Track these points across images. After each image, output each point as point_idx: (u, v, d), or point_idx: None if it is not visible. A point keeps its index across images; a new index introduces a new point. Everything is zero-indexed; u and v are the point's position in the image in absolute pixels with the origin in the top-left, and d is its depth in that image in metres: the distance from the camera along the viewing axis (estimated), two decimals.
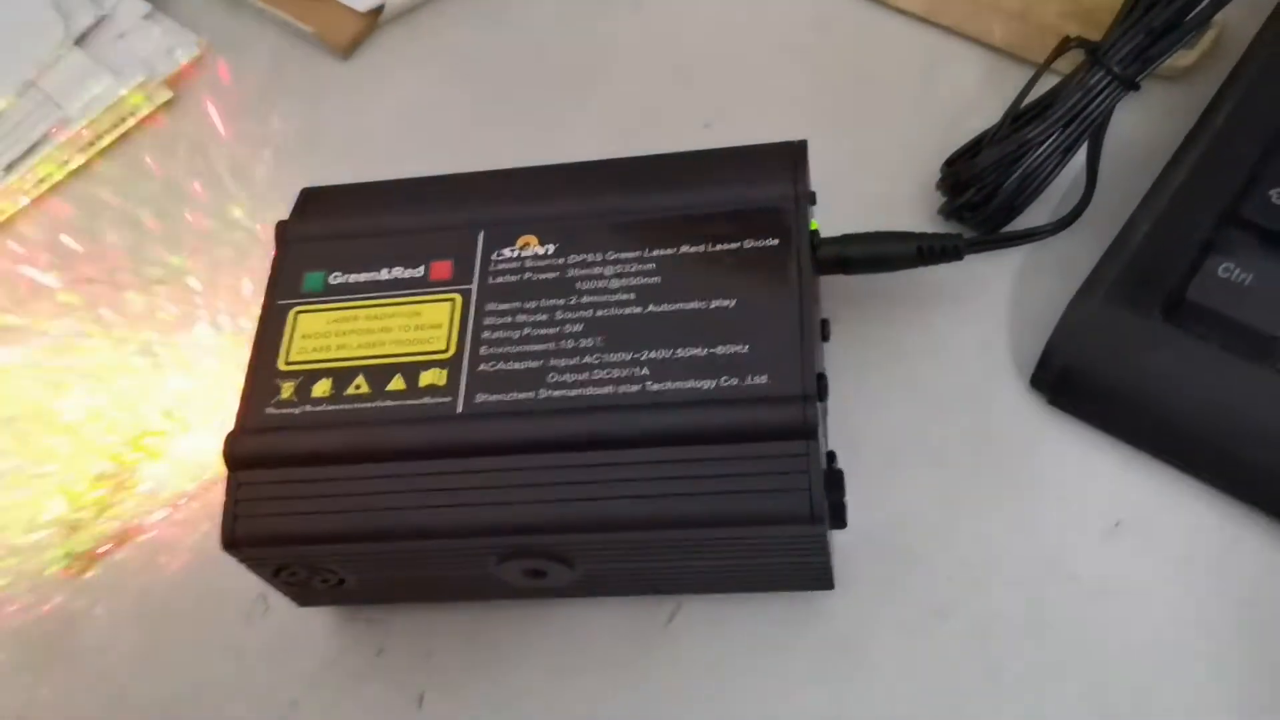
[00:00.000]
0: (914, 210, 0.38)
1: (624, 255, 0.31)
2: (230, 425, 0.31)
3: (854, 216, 0.35)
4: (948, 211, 0.37)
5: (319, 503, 0.29)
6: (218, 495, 0.37)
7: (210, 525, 0.36)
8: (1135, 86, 0.34)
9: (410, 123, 0.44)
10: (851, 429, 0.34)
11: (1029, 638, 0.31)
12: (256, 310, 0.33)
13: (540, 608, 0.33)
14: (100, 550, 0.37)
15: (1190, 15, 0.33)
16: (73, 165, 0.45)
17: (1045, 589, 0.31)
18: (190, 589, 0.36)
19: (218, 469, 0.37)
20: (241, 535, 0.29)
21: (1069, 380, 0.33)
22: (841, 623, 0.32)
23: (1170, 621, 0.30)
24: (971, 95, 0.40)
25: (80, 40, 0.47)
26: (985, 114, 0.39)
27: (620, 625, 0.33)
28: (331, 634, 0.34)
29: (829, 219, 0.33)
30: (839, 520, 0.29)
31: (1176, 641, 0.30)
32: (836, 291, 0.36)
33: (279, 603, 0.34)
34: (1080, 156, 0.36)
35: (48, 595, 0.36)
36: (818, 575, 0.30)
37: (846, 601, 0.32)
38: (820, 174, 0.33)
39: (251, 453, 0.30)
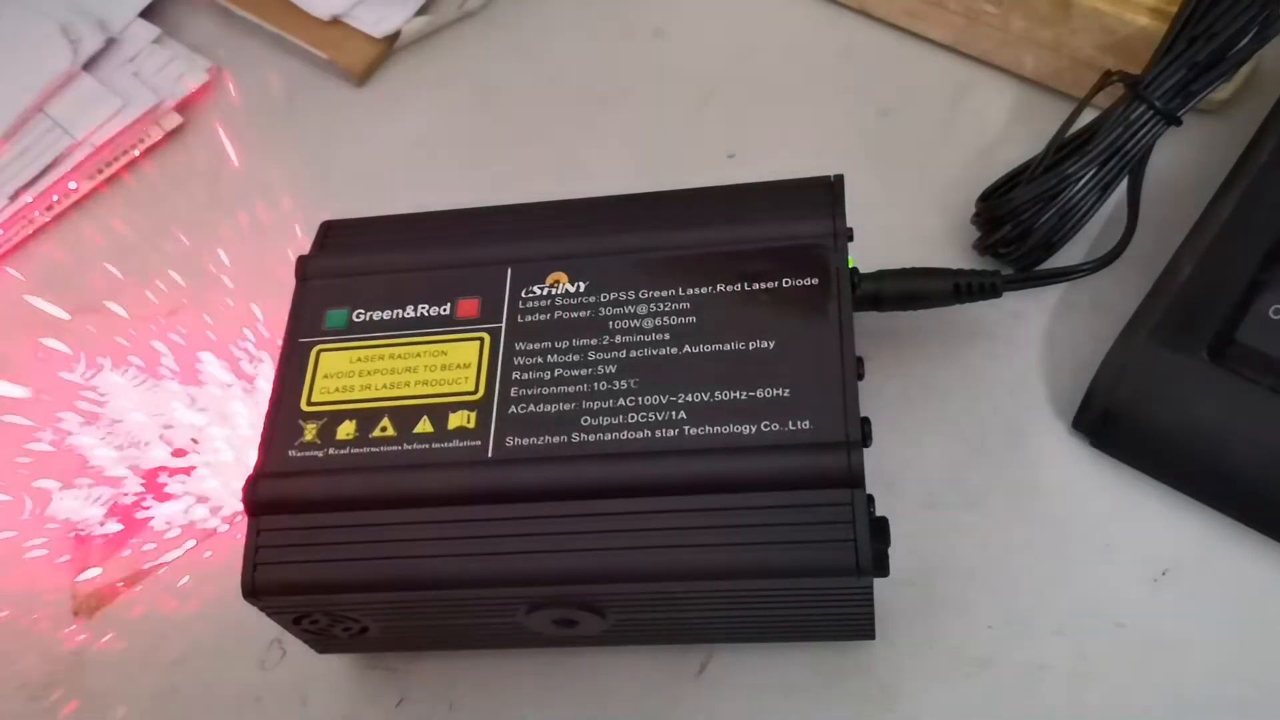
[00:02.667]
0: (945, 245, 0.37)
1: (658, 294, 0.30)
2: (248, 463, 0.30)
3: (882, 250, 0.34)
4: (982, 247, 0.36)
5: (343, 550, 0.28)
6: (231, 536, 0.36)
7: (224, 567, 0.35)
8: (1177, 121, 0.33)
9: (426, 150, 0.44)
10: (887, 470, 0.33)
11: (1074, 688, 0.30)
12: (272, 343, 0.32)
13: (566, 656, 0.32)
14: (110, 591, 0.36)
15: (1233, 50, 0.33)
16: (81, 191, 0.44)
17: (1090, 638, 0.30)
18: (203, 633, 0.35)
19: (232, 509, 0.36)
20: (262, 583, 0.28)
21: (1112, 423, 0.32)
22: (880, 672, 0.31)
23: (1219, 672, 0.30)
24: (1002, 126, 0.39)
25: (89, 65, 0.46)
26: (1017, 145, 0.38)
27: (650, 675, 0.32)
28: (350, 683, 0.33)
29: (857, 252, 0.32)
30: (881, 568, 0.28)
31: (1226, 693, 0.29)
32: (866, 327, 0.35)
33: (296, 649, 0.33)
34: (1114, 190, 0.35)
35: (56, 638, 0.35)
36: (859, 625, 0.30)
37: (885, 650, 0.31)
38: (848, 206, 0.32)
39: (273, 497, 0.29)
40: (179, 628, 0.35)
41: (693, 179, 0.33)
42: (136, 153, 0.45)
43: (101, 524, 0.37)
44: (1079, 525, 0.32)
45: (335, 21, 0.46)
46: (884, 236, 0.36)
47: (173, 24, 0.48)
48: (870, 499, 0.28)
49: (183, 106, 0.46)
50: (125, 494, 0.37)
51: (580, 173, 0.42)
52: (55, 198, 0.44)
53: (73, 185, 0.44)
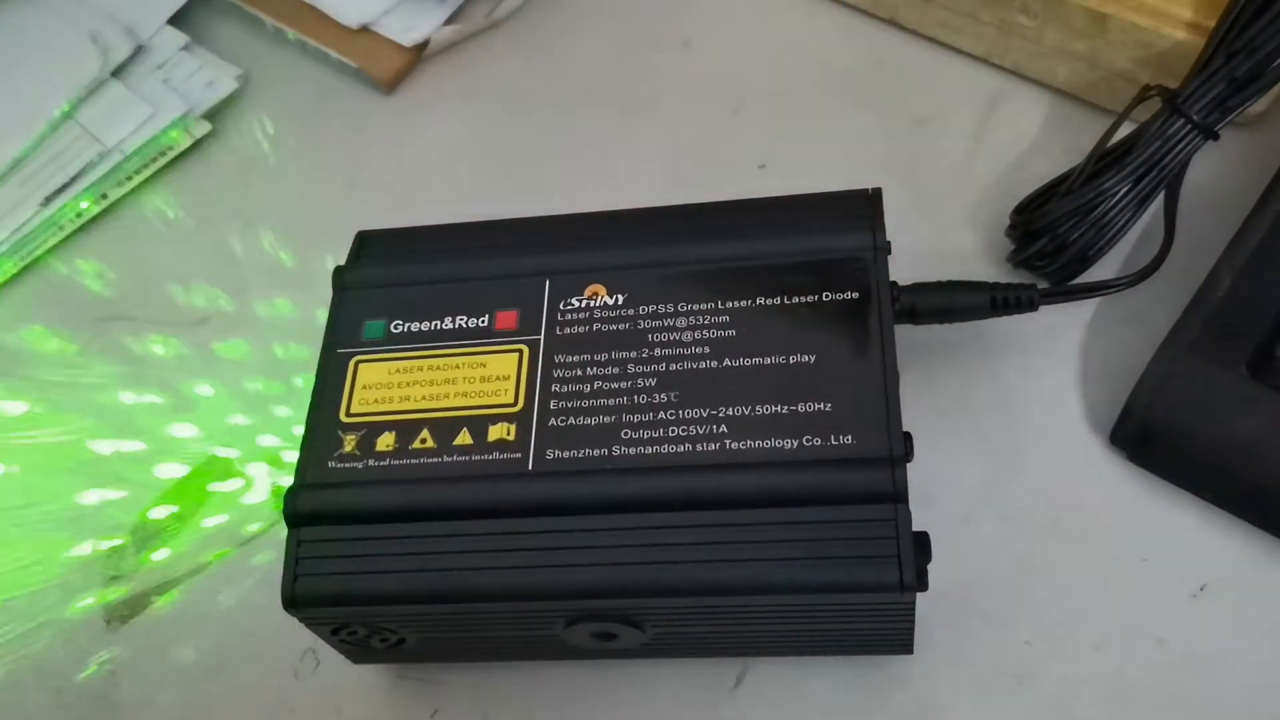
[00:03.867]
0: (978, 258, 0.37)
1: (697, 306, 0.30)
2: (275, 473, 0.30)
3: (917, 263, 0.34)
4: (1017, 260, 0.36)
5: (383, 561, 0.28)
6: (263, 545, 0.36)
7: (255, 576, 0.35)
8: (1215, 136, 0.33)
9: (455, 160, 0.44)
10: (922, 484, 0.32)
11: (1113, 705, 0.30)
12: (304, 353, 0.32)
13: (601, 668, 0.32)
14: (143, 601, 0.36)
15: (1273, 66, 0.32)
16: (111, 199, 0.44)
17: (1129, 654, 0.30)
18: (235, 643, 0.35)
19: (264, 517, 0.36)
20: (303, 595, 0.28)
21: (1151, 437, 0.32)
22: (918, 687, 0.31)
23: (1259, 689, 0.29)
24: (1035, 139, 0.39)
25: (118, 72, 0.46)
26: (1050, 158, 0.38)
27: (685, 688, 0.32)
28: (385, 694, 0.33)
29: (891, 264, 0.32)
30: (921, 583, 0.28)
31: (1265, 712, 0.29)
32: (901, 340, 0.35)
33: (330, 659, 0.33)
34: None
35: (89, 647, 0.35)
36: (898, 640, 0.29)
37: (924, 665, 0.31)
38: None
39: (313, 509, 0.29)
40: (211, 637, 0.35)
41: (723, 190, 0.33)
42: (165, 160, 0.45)
43: (135, 532, 0.37)
44: (1117, 540, 0.32)
45: (364, 30, 0.46)
46: (917, 249, 0.36)
47: (201, 31, 0.48)
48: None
49: (212, 114, 0.46)
50: (155, 502, 0.37)
51: (610, 183, 0.42)
52: (85, 204, 0.44)
53: (103, 192, 0.44)
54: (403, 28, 0.45)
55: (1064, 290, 0.34)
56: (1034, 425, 0.34)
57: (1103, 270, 0.35)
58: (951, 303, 0.33)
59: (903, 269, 0.33)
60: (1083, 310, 0.35)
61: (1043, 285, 0.35)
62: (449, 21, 0.45)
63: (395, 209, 0.41)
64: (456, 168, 0.43)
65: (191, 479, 0.37)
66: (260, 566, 0.36)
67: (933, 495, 0.33)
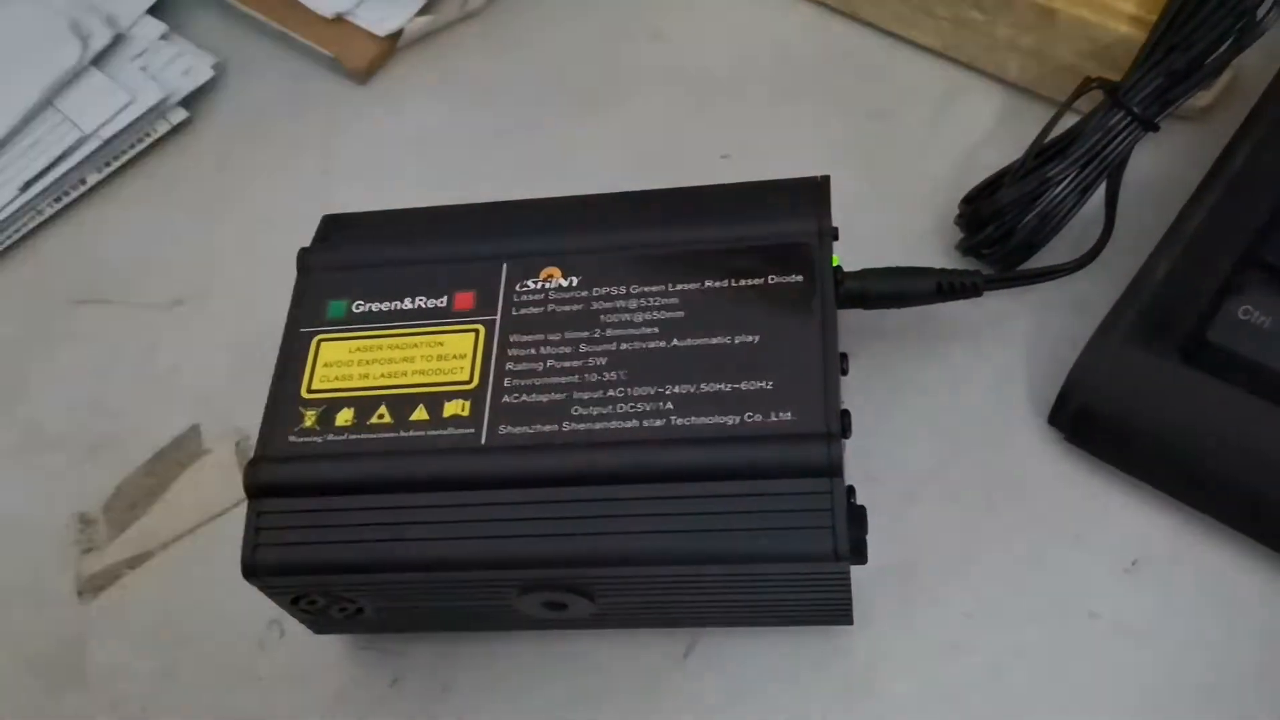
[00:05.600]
0: (930, 245, 0.38)
1: (647, 289, 0.31)
2: (249, 450, 0.31)
3: (870, 250, 0.35)
4: (965, 248, 0.37)
5: (340, 532, 0.29)
6: (231, 519, 0.37)
7: (224, 550, 0.36)
8: (1155, 127, 0.34)
9: (427, 148, 0.45)
10: (869, 463, 0.34)
11: (1047, 675, 0.31)
12: (274, 334, 0.33)
13: (557, 639, 0.33)
14: (114, 573, 0.37)
15: (1211, 59, 0.33)
16: (89, 184, 0.45)
17: (1063, 626, 0.31)
18: (204, 614, 0.36)
19: (233, 493, 0.37)
20: (261, 564, 0.29)
21: (1086, 419, 0.33)
22: (860, 657, 0.32)
23: (1188, 661, 0.31)
24: (987, 130, 0.40)
25: (97, 60, 0.47)
26: (1001, 149, 0.39)
27: (637, 658, 0.33)
28: (346, 662, 0.34)
29: (845, 251, 0.33)
30: (860, 556, 0.29)
31: (1194, 681, 0.30)
32: (852, 325, 0.36)
33: (294, 629, 0.34)
34: (1098, 194, 0.36)
35: (60, 618, 0.36)
36: (837, 610, 0.31)
37: (865, 636, 0.32)
38: (836, 206, 0.33)
39: (273, 481, 0.30)
40: (180, 608, 0.36)
41: (687, 179, 0.34)
42: (143, 146, 0.46)
43: (106, 505, 0.38)
44: (1054, 517, 0.33)
45: (339, 20, 0.47)
46: (872, 237, 0.37)
47: (180, 21, 0.49)
48: (851, 489, 0.30)
49: (189, 102, 0.47)
50: (127, 478, 0.38)
51: (577, 171, 0.43)
52: (64, 190, 0.45)
53: (81, 178, 0.45)
54: (377, 18, 0.46)
55: (1008, 276, 0.35)
56: (978, 406, 0.35)
57: (1047, 258, 0.36)
58: (899, 288, 0.34)
59: (858, 255, 0.34)
60: (1027, 295, 0.36)
61: (988, 272, 0.36)
62: (422, 12, 0.46)
63: (368, 196, 0.42)
64: (429, 156, 0.44)
65: (164, 455, 0.38)
66: (229, 540, 0.36)
67: (879, 474, 0.34)
